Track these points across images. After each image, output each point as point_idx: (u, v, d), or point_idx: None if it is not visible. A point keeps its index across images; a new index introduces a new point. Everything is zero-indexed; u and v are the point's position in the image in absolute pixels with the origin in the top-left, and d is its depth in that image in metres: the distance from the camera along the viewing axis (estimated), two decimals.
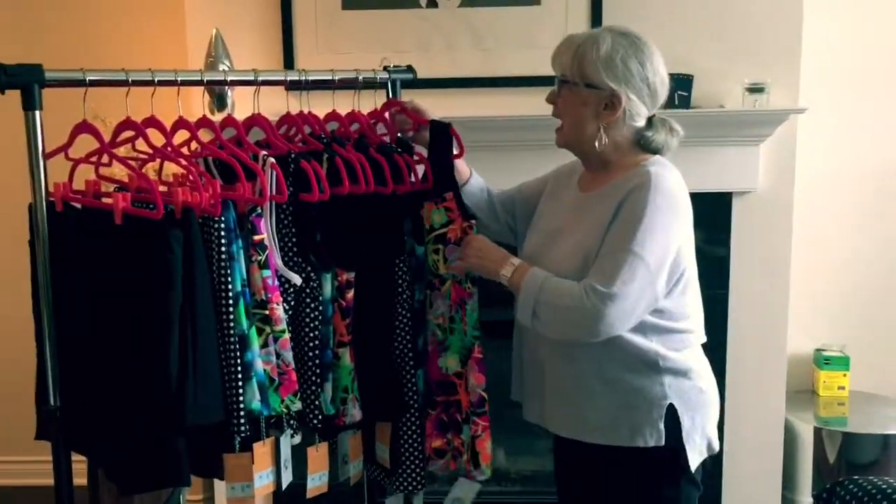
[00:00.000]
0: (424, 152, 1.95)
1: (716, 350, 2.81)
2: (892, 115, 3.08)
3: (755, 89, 2.67)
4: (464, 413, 1.92)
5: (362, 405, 1.82)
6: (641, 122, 1.72)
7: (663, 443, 1.68)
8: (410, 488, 1.92)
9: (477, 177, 2.00)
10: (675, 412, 1.69)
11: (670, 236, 1.62)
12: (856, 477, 2.03)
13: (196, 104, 2.13)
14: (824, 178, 3.10)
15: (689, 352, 1.74)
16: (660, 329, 1.69)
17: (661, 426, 1.68)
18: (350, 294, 1.78)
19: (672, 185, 1.65)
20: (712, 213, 2.81)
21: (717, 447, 1.78)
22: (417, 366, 1.89)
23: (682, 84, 2.66)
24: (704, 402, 1.74)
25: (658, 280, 1.62)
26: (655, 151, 1.75)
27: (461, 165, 1.96)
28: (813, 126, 2.91)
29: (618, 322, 1.61)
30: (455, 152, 1.93)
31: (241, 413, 1.57)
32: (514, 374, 1.93)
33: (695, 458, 1.72)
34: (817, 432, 2.88)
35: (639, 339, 1.68)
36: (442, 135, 1.91)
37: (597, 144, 1.72)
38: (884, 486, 1.94)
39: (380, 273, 1.83)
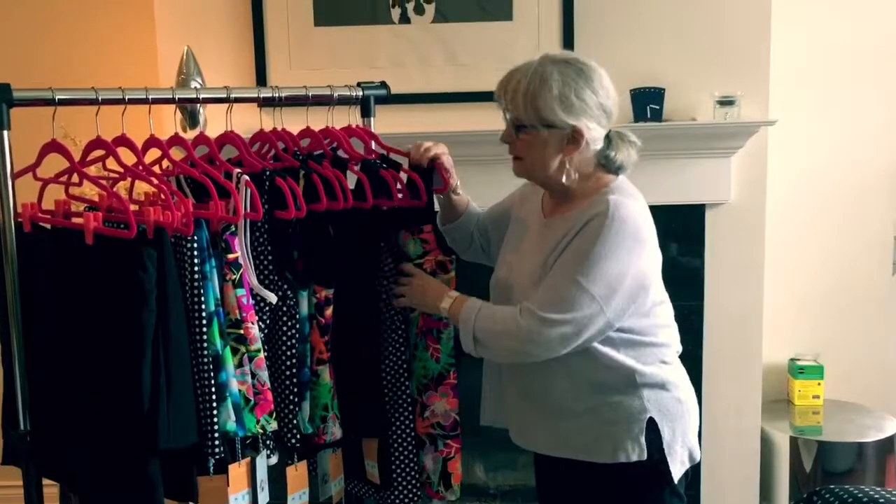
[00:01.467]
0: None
1: (691, 361, 2.82)
2: (861, 125, 3.13)
3: (726, 102, 2.70)
4: (418, 438, 1.93)
5: (343, 423, 1.80)
6: (601, 144, 1.73)
7: (645, 457, 1.69)
8: (407, 503, 1.91)
9: (472, 210, 2.02)
10: (655, 425, 1.70)
11: (624, 263, 1.62)
12: (832, 486, 2.04)
13: (168, 122, 2.11)
14: (796, 189, 3.14)
15: (665, 364, 1.75)
16: (634, 345, 1.70)
17: (643, 440, 1.68)
18: (329, 311, 1.76)
19: (631, 213, 1.66)
20: (686, 225, 2.83)
21: (698, 457, 1.79)
22: (410, 377, 1.89)
23: (653, 97, 2.69)
24: (683, 413, 1.75)
25: (608, 307, 1.62)
26: (618, 169, 1.75)
27: (461, 198, 1.99)
28: (784, 137, 2.95)
29: (556, 345, 1.63)
30: (439, 186, 1.93)
31: (216, 435, 1.55)
32: (486, 399, 1.91)
33: (677, 470, 1.73)
34: (793, 441, 2.90)
35: (613, 355, 1.69)
36: (423, 169, 1.90)
37: (564, 179, 1.72)
38: (860, 495, 1.95)
39: (364, 288, 1.83)
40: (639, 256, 1.65)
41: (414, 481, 1.90)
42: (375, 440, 1.89)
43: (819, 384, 3.12)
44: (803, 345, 3.20)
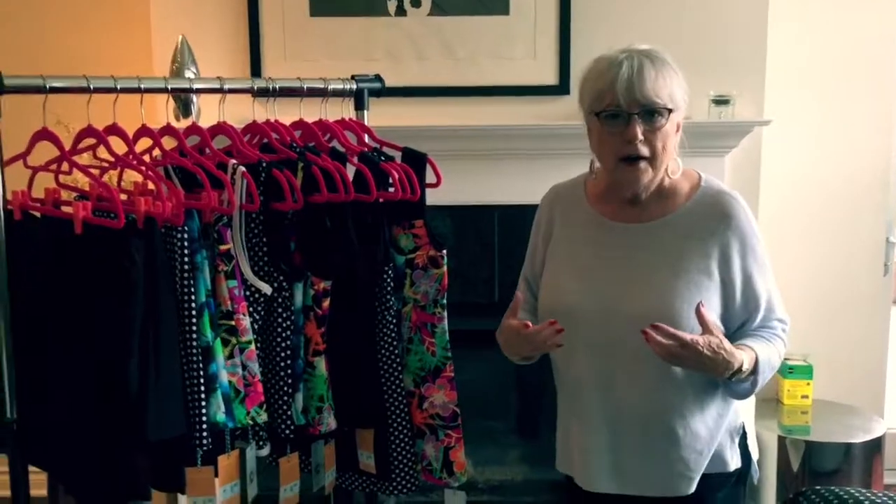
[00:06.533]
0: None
1: None
2: (854, 127, 3.13)
3: (721, 101, 2.70)
4: (415, 428, 1.93)
5: (338, 413, 1.81)
6: None
7: (741, 464, 1.66)
8: (406, 490, 1.92)
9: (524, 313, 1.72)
10: (744, 429, 1.69)
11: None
12: (818, 487, 2.05)
13: (161, 111, 2.10)
14: (789, 190, 3.14)
15: None
16: None
17: (738, 447, 1.66)
18: (326, 303, 1.76)
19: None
20: None
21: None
22: (403, 369, 1.90)
23: None
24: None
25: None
26: None
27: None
28: (778, 138, 2.95)
29: None
30: (432, 182, 1.91)
31: (204, 426, 1.55)
32: (567, 441, 1.70)
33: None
34: (781, 441, 2.90)
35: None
36: (416, 163, 1.89)
37: (672, 173, 1.61)
38: (846, 497, 1.96)
39: (367, 281, 1.83)
40: None
41: (411, 470, 1.91)
42: (371, 431, 1.90)
43: (808, 384, 3.13)
44: (793, 344, 3.17)
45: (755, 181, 2.83)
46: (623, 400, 1.59)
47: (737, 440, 1.66)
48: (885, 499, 1.93)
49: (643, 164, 1.55)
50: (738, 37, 2.75)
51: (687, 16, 2.76)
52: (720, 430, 1.63)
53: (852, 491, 2.00)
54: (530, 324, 1.56)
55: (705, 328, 1.49)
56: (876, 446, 2.90)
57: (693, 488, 1.60)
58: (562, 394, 1.72)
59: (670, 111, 1.54)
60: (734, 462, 1.65)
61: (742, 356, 1.52)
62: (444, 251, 1.89)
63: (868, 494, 1.96)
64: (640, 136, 1.52)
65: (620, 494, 1.64)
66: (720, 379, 1.55)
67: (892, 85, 3.12)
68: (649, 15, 2.75)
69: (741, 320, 1.62)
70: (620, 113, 1.53)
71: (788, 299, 3.18)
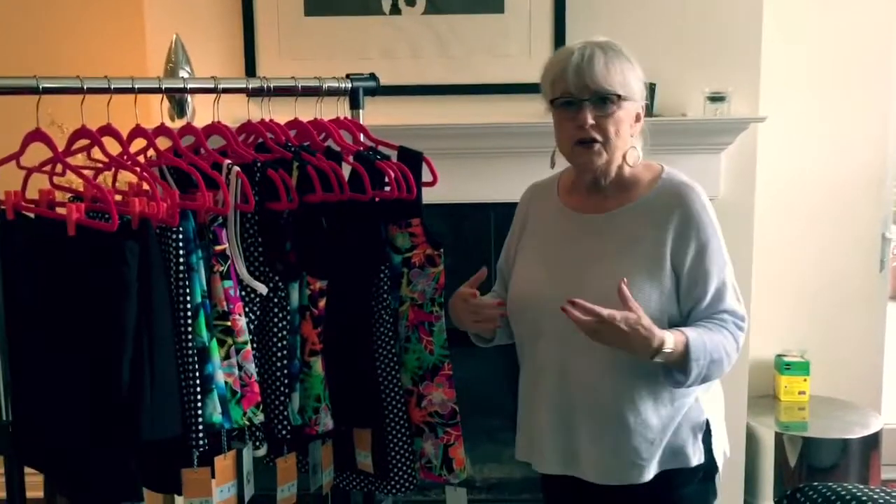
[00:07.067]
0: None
1: None
2: (849, 124, 3.13)
3: (716, 98, 2.70)
4: (413, 426, 1.93)
5: (335, 413, 1.80)
6: None
7: (704, 460, 1.67)
8: (404, 489, 1.92)
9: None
10: (708, 426, 1.69)
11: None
12: (815, 483, 2.06)
13: (155, 111, 2.10)
14: (785, 186, 3.14)
15: None
16: None
17: (701, 443, 1.67)
18: (322, 303, 1.76)
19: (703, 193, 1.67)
20: None
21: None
22: (400, 368, 1.90)
23: None
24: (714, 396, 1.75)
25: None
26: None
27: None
28: (774, 135, 2.95)
29: None
30: (428, 181, 1.91)
31: (200, 427, 1.54)
32: (524, 427, 1.77)
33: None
34: (778, 437, 2.91)
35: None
36: (412, 162, 1.89)
37: (630, 161, 1.63)
38: (843, 493, 1.96)
39: (363, 280, 1.83)
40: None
41: (409, 469, 1.91)
42: (368, 430, 1.90)
43: (805, 380, 3.13)
44: (790, 341, 3.21)
45: (751, 178, 2.83)
46: (577, 385, 1.64)
47: (699, 436, 1.67)
48: (882, 494, 1.93)
49: (597, 146, 1.60)
50: (734, 34, 2.75)
51: (682, 12, 2.75)
52: (674, 422, 1.64)
53: (850, 487, 2.00)
54: (477, 293, 1.67)
55: (625, 305, 1.52)
56: (873, 442, 2.90)
57: (646, 478, 1.63)
58: (523, 381, 1.77)
59: (620, 97, 1.59)
60: (696, 458, 1.66)
61: (665, 336, 1.53)
62: (442, 249, 1.89)
63: (865, 490, 1.96)
64: (591, 121, 1.59)
65: (589, 485, 1.66)
66: (646, 360, 1.55)
67: (888, 81, 3.13)
68: (644, 12, 2.75)
69: (689, 306, 1.63)
70: (573, 100, 1.59)
71: (785, 295, 3.22)
